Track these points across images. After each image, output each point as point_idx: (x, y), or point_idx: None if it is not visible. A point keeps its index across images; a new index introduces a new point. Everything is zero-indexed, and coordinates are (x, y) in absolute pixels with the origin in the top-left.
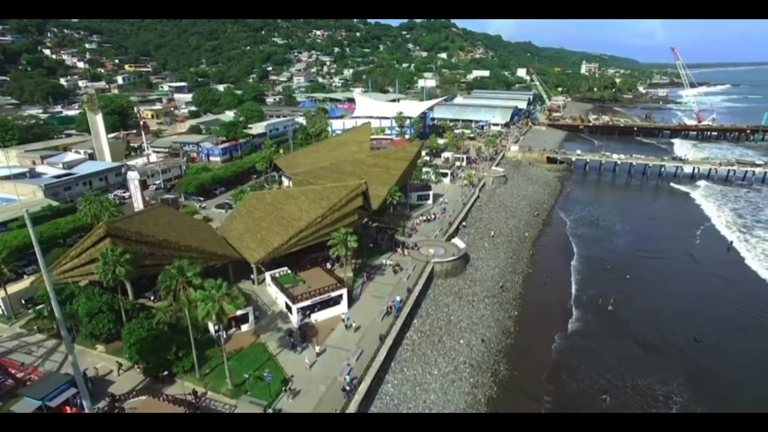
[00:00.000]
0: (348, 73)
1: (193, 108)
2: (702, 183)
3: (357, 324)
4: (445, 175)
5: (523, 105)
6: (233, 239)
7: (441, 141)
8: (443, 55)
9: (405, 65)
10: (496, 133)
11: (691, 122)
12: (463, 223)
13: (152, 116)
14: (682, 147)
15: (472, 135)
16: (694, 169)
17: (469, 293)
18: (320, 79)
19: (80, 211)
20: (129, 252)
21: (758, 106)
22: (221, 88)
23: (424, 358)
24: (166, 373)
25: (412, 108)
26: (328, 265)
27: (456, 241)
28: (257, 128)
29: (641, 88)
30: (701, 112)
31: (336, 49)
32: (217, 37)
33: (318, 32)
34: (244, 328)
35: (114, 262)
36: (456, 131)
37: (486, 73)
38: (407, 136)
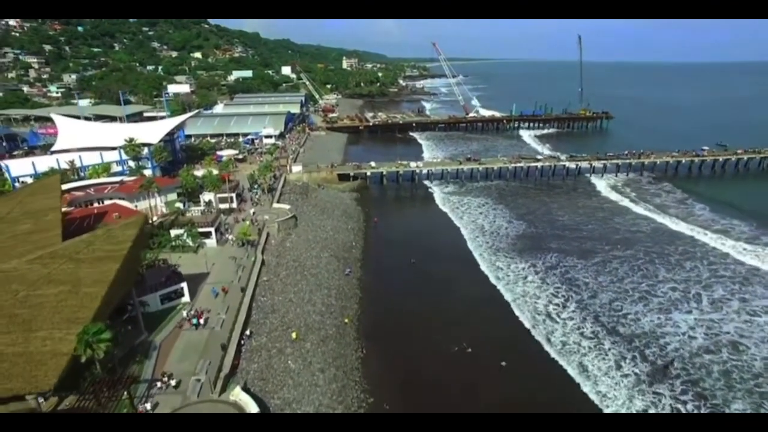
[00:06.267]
0: (71, 78)
1: None
2: (497, 182)
3: None
4: (207, 234)
5: (296, 109)
6: None
7: (199, 173)
8: (198, 55)
9: (151, 68)
10: (271, 149)
11: (459, 115)
12: (247, 332)
13: None
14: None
15: (240, 156)
16: (487, 170)
17: None
18: (27, 88)
19: None
20: None
21: (490, 93)
22: None
23: None
24: None
25: (152, 130)
26: None
27: (237, 394)
28: None
29: (402, 81)
30: (467, 105)
31: (48, 48)
32: None
33: (12, 22)
34: None
35: None
36: (220, 153)
37: (248, 73)
38: (147, 172)
